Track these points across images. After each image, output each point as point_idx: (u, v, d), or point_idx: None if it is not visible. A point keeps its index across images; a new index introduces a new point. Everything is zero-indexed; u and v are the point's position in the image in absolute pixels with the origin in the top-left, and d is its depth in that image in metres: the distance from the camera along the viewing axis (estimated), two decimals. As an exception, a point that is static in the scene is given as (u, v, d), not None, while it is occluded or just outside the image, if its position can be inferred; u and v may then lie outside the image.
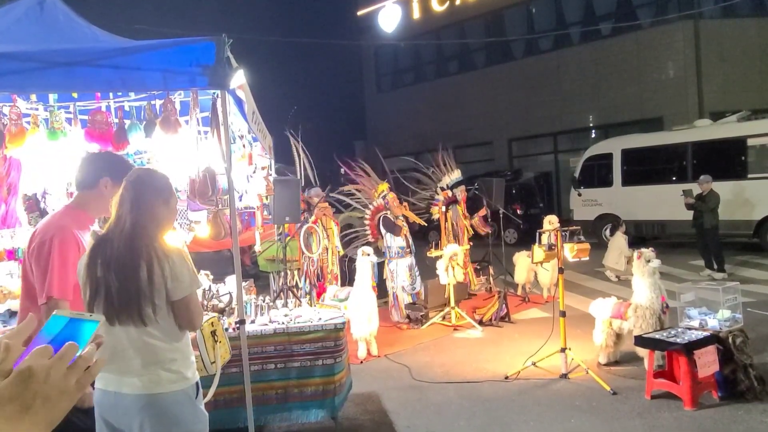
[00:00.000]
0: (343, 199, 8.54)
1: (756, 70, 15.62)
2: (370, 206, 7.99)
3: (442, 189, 8.94)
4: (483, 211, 9.19)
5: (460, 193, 8.86)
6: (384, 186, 7.94)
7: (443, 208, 8.75)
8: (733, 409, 4.18)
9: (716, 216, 9.22)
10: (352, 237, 8.22)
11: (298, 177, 7.01)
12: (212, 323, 2.60)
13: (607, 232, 13.38)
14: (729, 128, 11.98)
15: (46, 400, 0.76)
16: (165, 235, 2.27)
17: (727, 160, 11.89)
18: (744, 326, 4.63)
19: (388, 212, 7.61)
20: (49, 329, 0.84)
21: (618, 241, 9.51)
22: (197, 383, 2.23)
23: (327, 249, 7.19)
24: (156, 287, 2.07)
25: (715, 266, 9.26)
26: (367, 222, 8.04)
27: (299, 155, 7.19)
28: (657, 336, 4.54)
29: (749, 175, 11.43)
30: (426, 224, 8.81)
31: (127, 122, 3.82)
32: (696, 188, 9.62)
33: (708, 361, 4.20)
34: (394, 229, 7.35)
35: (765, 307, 6.91)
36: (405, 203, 8.18)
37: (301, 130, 7.26)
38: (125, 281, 2.07)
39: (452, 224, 8.77)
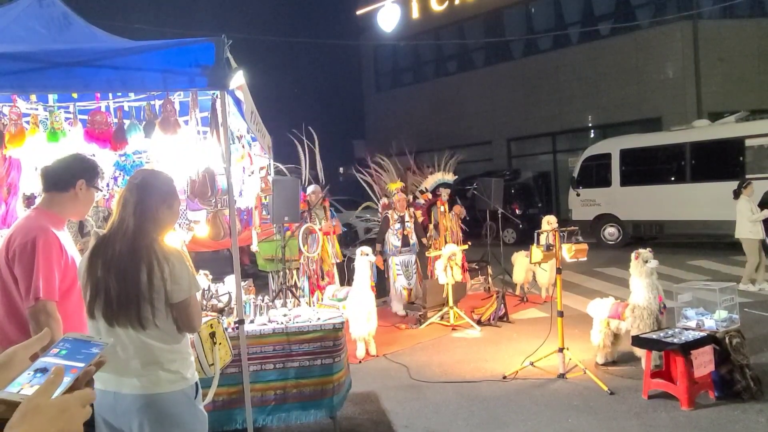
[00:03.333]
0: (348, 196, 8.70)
1: (754, 70, 15.65)
2: (383, 199, 8.21)
3: (422, 192, 8.92)
4: (458, 209, 9.11)
5: (445, 195, 8.75)
6: (395, 185, 8.05)
7: (442, 208, 8.74)
8: (729, 409, 4.20)
9: None
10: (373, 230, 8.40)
11: (302, 174, 7.06)
12: (211, 325, 2.61)
13: (601, 232, 13.34)
14: (727, 129, 12.01)
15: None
16: (165, 235, 2.27)
17: (725, 160, 11.92)
18: (741, 326, 4.65)
19: (390, 212, 7.83)
20: (56, 350, 0.86)
21: (742, 206, 8.29)
22: (197, 383, 2.23)
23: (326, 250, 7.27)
24: (155, 289, 2.08)
25: None
26: (380, 215, 8.28)
27: (306, 153, 7.26)
28: (654, 336, 4.56)
29: (747, 176, 11.45)
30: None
31: (127, 122, 3.83)
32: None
33: (704, 362, 4.22)
34: (383, 225, 7.85)
35: (762, 308, 6.93)
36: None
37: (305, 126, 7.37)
38: (125, 284, 2.07)
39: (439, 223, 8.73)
